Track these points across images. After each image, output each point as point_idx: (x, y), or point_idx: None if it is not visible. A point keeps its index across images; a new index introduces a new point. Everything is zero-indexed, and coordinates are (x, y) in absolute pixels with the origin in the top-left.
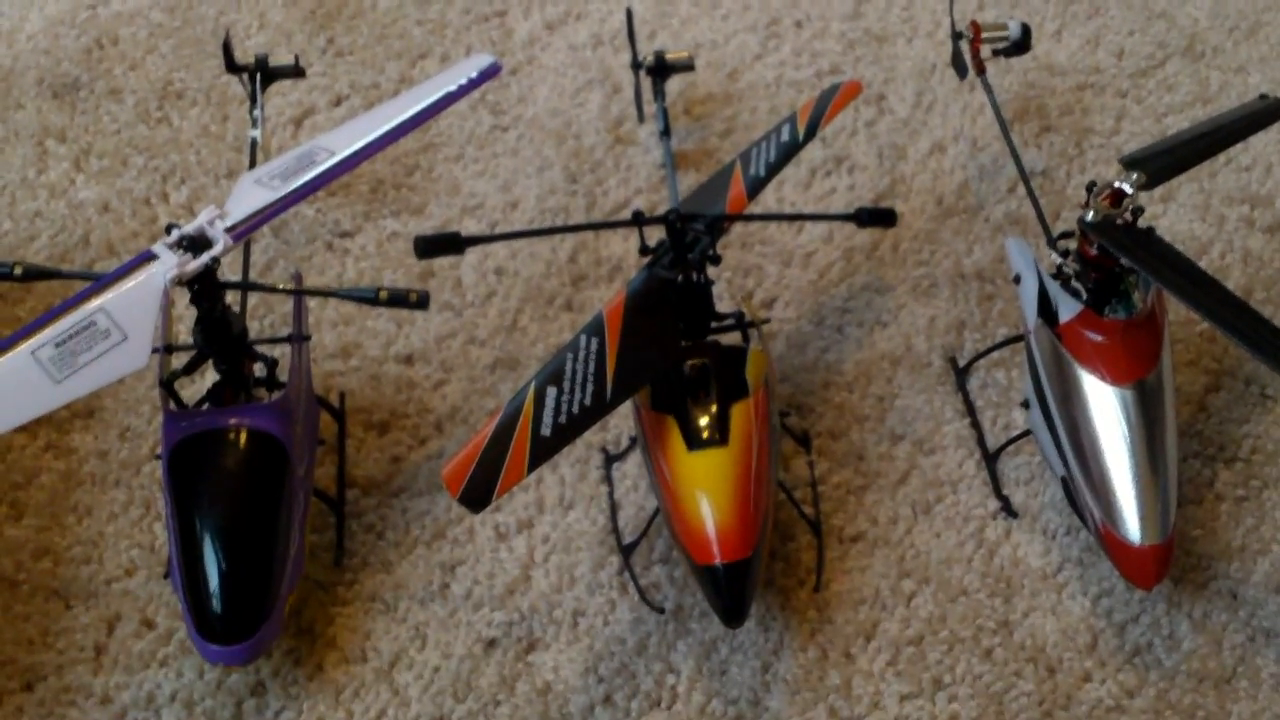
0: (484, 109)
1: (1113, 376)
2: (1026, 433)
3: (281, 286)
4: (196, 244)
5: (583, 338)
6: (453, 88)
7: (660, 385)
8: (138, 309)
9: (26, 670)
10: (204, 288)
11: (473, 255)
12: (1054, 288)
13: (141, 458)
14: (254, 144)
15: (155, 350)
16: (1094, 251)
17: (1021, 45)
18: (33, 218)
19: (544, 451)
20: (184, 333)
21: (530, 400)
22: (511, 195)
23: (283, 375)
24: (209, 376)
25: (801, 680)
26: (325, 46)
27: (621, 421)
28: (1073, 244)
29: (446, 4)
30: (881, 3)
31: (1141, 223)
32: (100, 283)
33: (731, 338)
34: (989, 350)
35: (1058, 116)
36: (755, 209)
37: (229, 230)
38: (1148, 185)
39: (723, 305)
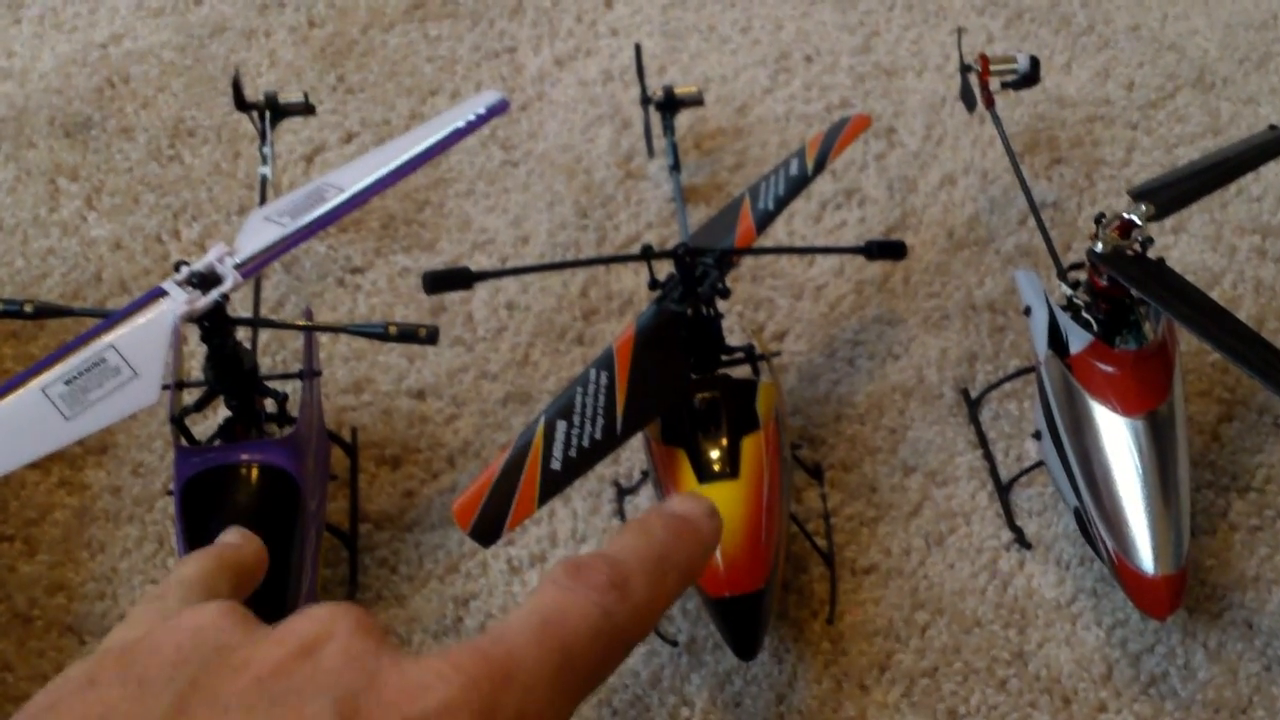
0: (494, 144)
1: (1124, 407)
2: (1039, 464)
3: (292, 322)
4: (206, 281)
5: (593, 372)
6: (461, 124)
7: (671, 419)
8: (148, 346)
9: None
10: (214, 324)
11: (484, 290)
12: (1064, 319)
13: (154, 494)
14: (264, 181)
15: (166, 387)
16: (1104, 283)
17: (1030, 78)
18: (45, 255)
19: (554, 485)
20: (195, 369)
21: (540, 434)
22: (522, 230)
23: (294, 410)
24: (220, 412)
25: (816, 712)
26: (336, 84)
27: (633, 455)
28: (1083, 275)
29: (456, 41)
30: (890, 37)
31: (1152, 254)
32: (110, 320)
33: (742, 371)
34: (1001, 382)
35: (1068, 148)
36: (765, 242)
37: (238, 267)
38: (1157, 216)
39: (733, 338)
